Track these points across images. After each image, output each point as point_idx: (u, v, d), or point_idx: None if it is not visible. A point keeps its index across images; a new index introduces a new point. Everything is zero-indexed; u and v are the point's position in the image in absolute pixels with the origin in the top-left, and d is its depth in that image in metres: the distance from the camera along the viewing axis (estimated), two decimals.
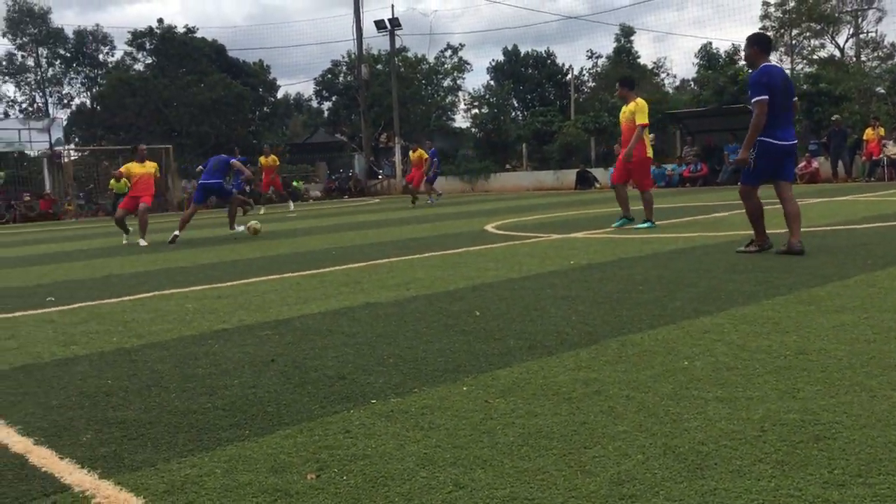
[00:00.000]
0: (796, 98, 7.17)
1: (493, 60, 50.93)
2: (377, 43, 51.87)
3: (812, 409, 2.83)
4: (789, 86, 7.04)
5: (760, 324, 4.23)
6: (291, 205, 24.40)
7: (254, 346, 4.36)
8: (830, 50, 51.02)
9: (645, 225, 10.25)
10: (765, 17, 50.49)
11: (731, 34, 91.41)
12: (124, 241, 13.12)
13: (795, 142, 7.11)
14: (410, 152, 23.29)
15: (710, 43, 48.46)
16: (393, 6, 61.07)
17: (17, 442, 2.92)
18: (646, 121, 10.25)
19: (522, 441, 2.66)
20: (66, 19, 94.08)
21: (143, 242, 12.31)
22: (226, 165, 13.80)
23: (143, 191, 12.88)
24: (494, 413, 2.98)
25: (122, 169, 13.29)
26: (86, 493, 2.42)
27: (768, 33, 7.39)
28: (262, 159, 22.48)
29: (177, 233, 12.60)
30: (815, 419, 2.72)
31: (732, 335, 4.00)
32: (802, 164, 22.14)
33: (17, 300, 6.76)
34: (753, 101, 6.92)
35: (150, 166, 13.18)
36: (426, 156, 21.82)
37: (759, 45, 7.14)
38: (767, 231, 7.17)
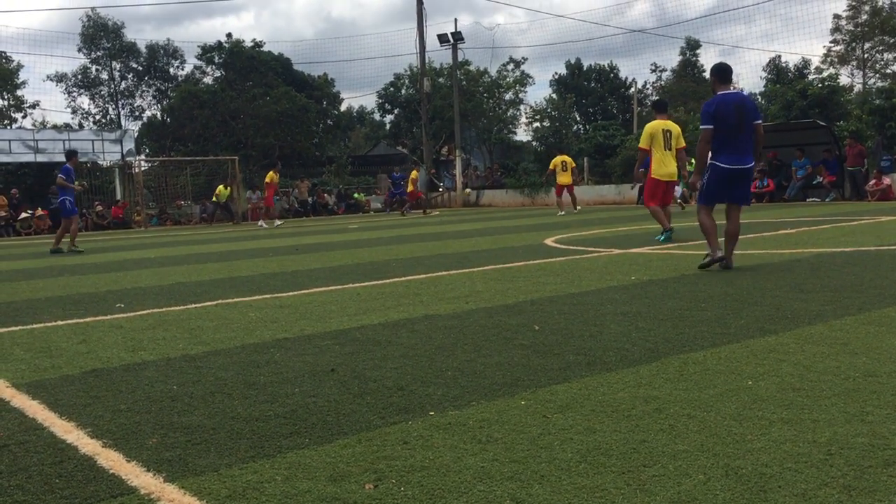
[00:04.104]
0: (758, 121, 7.37)
1: (555, 74, 50.88)
2: (440, 56, 52.21)
3: (881, 433, 2.74)
4: (745, 112, 7.27)
5: (828, 344, 4.12)
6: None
7: (314, 355, 4.42)
8: None
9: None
10: (836, 30, 49.42)
11: (801, 48, 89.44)
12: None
13: (746, 166, 7.33)
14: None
15: (779, 56, 47.66)
16: (456, 20, 61.50)
17: (87, 444, 3.01)
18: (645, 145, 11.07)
19: (581, 457, 2.65)
20: (144, 33, 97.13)
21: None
22: None
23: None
24: (552, 428, 2.96)
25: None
26: (151, 496, 2.48)
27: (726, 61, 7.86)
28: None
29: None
30: (884, 444, 2.64)
31: (799, 355, 3.91)
32: (873, 181, 21.52)
33: (88, 306, 6.98)
34: (700, 128, 7.49)
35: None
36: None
37: (717, 74, 7.55)
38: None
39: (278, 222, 25.02)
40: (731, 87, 7.56)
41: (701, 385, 3.45)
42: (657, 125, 10.92)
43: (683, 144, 11.04)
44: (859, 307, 5.13)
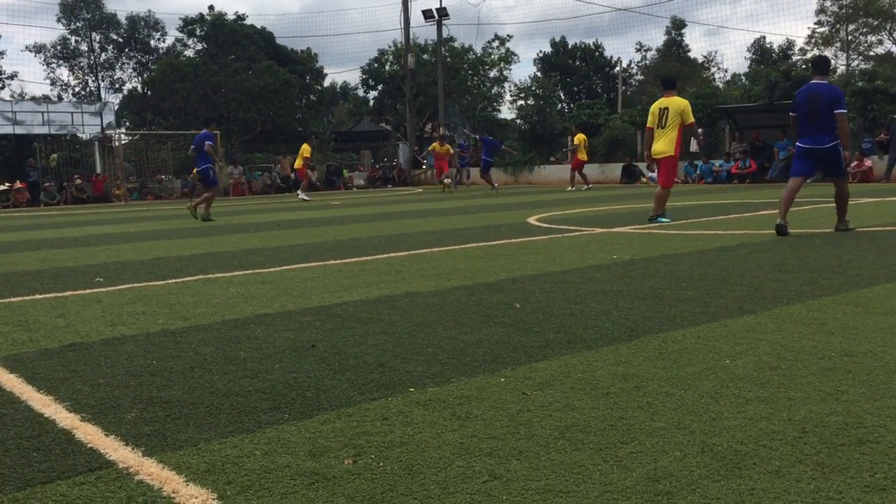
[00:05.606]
0: (842, 110, 8.40)
1: (540, 52, 50.71)
2: (424, 32, 51.78)
3: (855, 411, 2.78)
4: (817, 101, 8.40)
5: (805, 324, 4.16)
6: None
7: (295, 331, 4.42)
8: (888, 46, 49.83)
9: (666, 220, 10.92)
10: (820, 11, 49.50)
11: (786, 29, 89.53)
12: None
13: (820, 146, 8.47)
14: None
15: (764, 37, 47.75)
16: None
17: (65, 418, 3.00)
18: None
19: (559, 434, 2.66)
20: (125, 4, 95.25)
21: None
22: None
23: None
24: (532, 405, 2.98)
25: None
26: (129, 470, 2.48)
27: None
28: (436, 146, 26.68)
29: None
30: (858, 422, 2.67)
31: (776, 335, 3.94)
32: (854, 163, 21.66)
33: (67, 280, 6.93)
34: None
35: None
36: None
37: (812, 66, 9.06)
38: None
39: (303, 195, 23.38)
40: (824, 79, 8.63)
41: (679, 363, 3.48)
42: (656, 104, 11.02)
43: (691, 120, 10.84)
44: (837, 288, 5.19)
